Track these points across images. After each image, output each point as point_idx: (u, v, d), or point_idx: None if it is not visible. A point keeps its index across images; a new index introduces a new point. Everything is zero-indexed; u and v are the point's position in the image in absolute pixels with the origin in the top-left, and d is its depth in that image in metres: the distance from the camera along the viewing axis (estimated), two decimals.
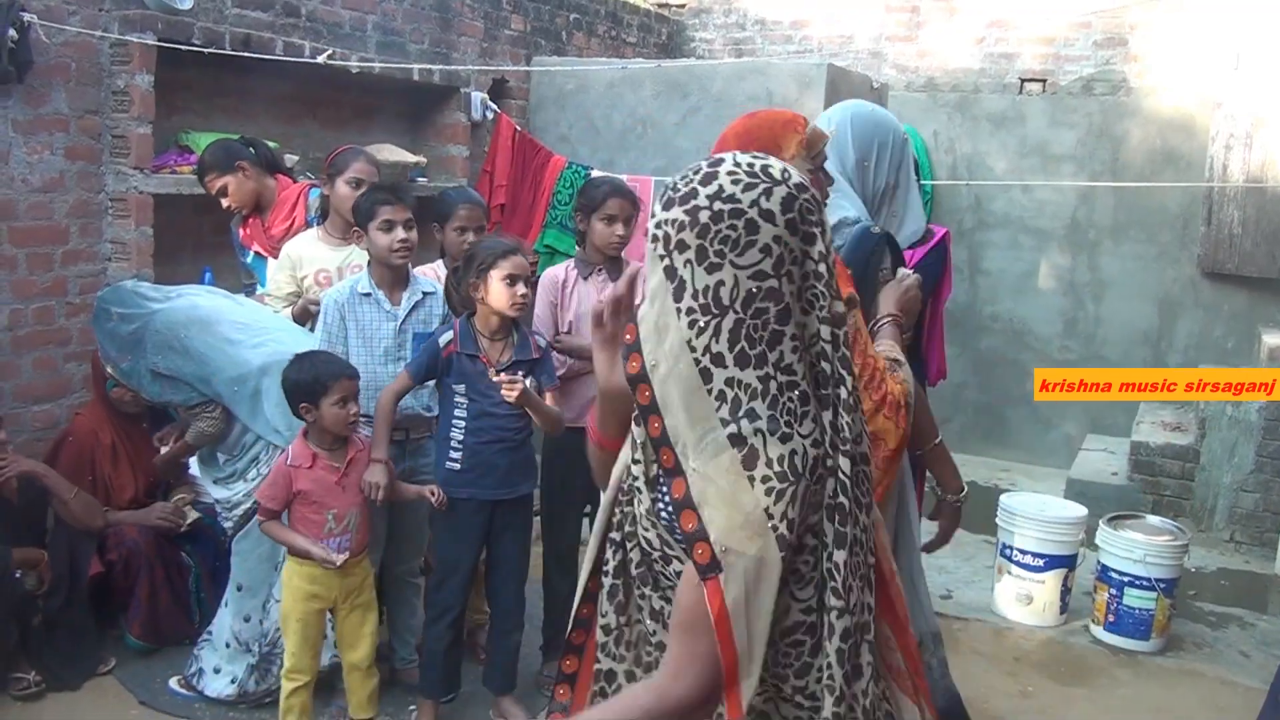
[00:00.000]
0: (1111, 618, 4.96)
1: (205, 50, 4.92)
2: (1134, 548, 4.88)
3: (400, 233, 3.98)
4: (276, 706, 3.83)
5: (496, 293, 3.73)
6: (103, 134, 4.81)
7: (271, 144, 5.09)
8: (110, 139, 4.81)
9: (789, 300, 1.56)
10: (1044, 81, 8.33)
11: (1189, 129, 7.44)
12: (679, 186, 1.60)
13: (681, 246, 1.55)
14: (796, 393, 1.57)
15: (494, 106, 6.70)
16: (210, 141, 4.82)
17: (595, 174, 6.16)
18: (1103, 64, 8.17)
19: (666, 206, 1.59)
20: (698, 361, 1.54)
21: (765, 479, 1.51)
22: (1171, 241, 7.57)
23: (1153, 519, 5.23)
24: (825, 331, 1.60)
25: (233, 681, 4.08)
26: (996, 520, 5.29)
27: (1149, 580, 4.86)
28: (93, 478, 4.39)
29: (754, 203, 1.54)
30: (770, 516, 1.50)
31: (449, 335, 3.82)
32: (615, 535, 1.80)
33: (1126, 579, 4.89)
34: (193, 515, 4.57)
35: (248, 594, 4.11)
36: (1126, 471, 6.36)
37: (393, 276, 4.08)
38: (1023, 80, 8.40)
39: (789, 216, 1.56)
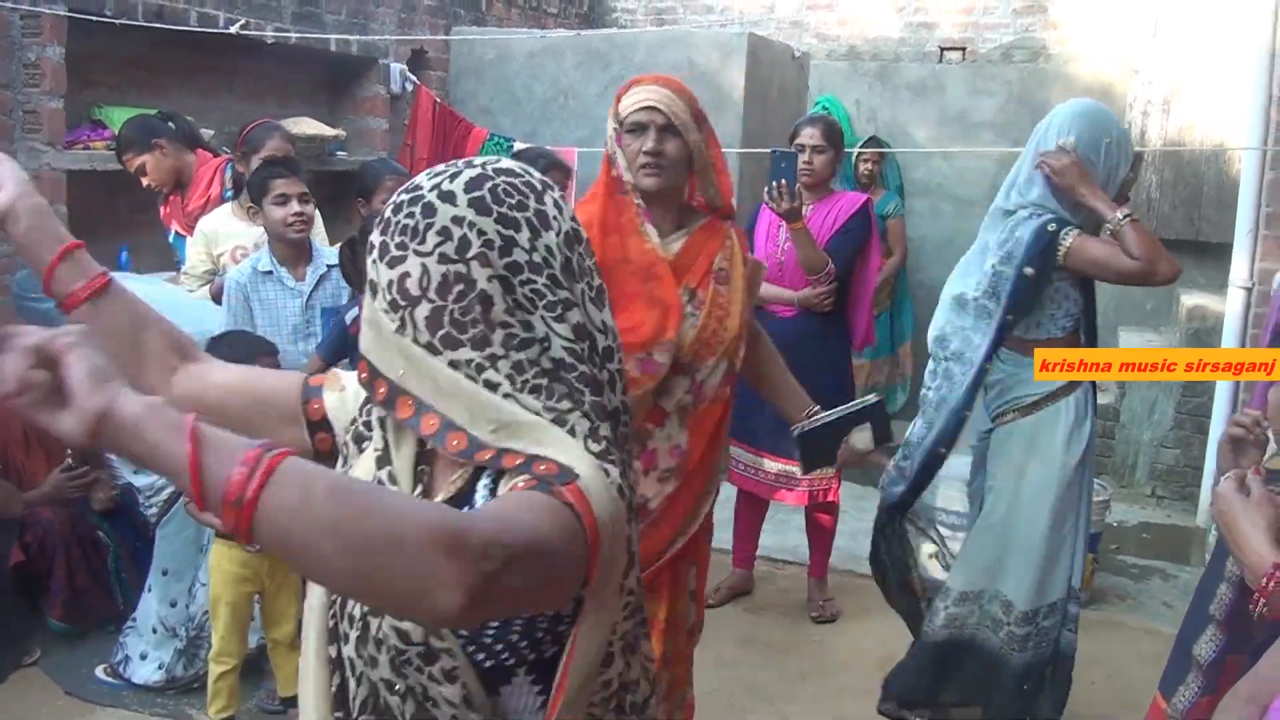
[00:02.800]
0: None
1: (117, 21, 4.80)
2: None
3: (295, 205, 3.92)
4: (204, 691, 3.78)
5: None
6: (14, 109, 4.67)
7: (188, 118, 4.99)
8: (21, 114, 4.67)
9: (489, 291, 1.34)
10: (964, 50, 8.40)
11: (1108, 95, 7.52)
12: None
13: (370, 249, 1.40)
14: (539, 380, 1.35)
15: (413, 78, 6.63)
16: (128, 118, 4.71)
17: (518, 145, 6.12)
18: (1022, 31, 8.25)
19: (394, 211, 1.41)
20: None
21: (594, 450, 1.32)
22: None
23: None
24: (561, 333, 1.37)
25: (160, 667, 4.01)
26: None
27: None
28: (4, 466, 4.28)
29: (434, 186, 1.38)
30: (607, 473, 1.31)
31: (355, 312, 3.77)
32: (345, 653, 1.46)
33: None
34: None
35: (173, 578, 4.04)
36: None
37: (294, 252, 4.01)
38: (942, 49, 8.47)
39: (473, 195, 1.36)
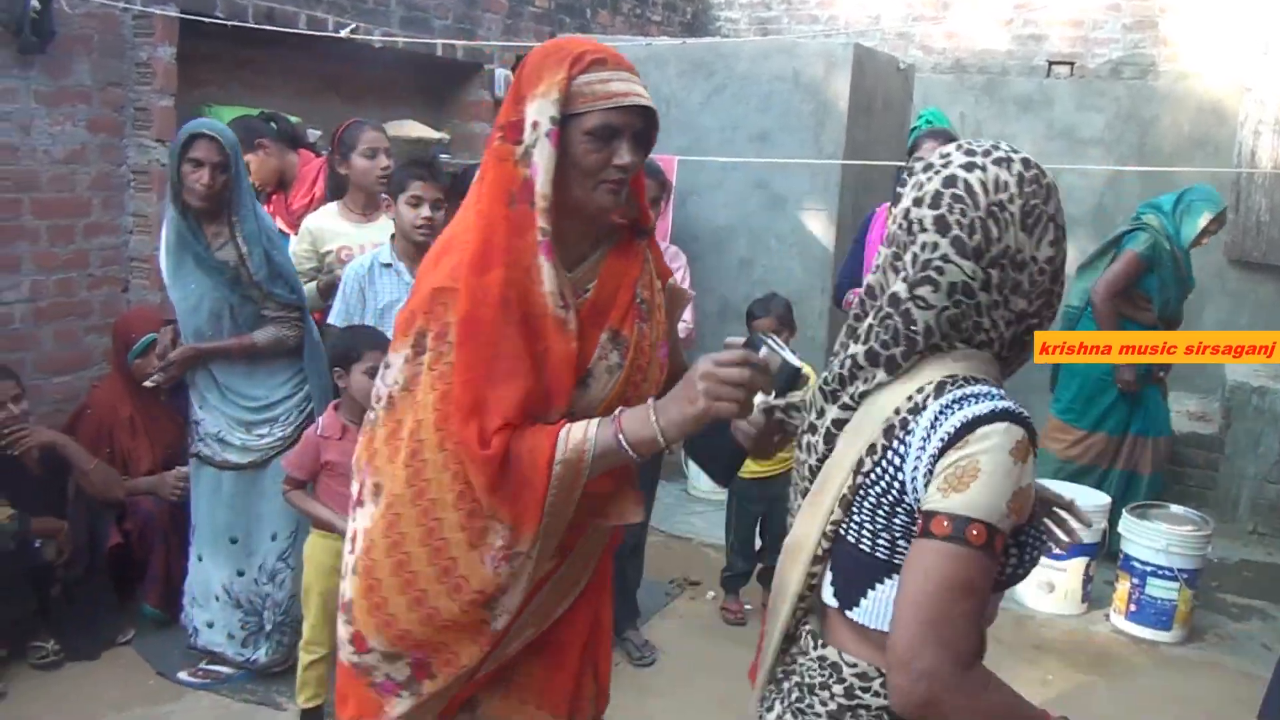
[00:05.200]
0: (1133, 607, 4.92)
1: (228, 23, 4.91)
2: (1157, 537, 4.84)
3: (426, 210, 3.95)
4: (291, 677, 3.85)
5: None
6: (125, 106, 4.80)
7: (293, 119, 5.07)
8: (132, 111, 4.81)
9: None
10: (1072, 64, 8.25)
11: (1218, 114, 7.36)
12: None
13: None
14: None
15: None
16: (232, 118, 4.80)
17: None
18: (1132, 47, 8.09)
19: None
20: None
21: None
22: None
23: (1176, 509, 5.18)
24: None
25: (230, 636, 4.10)
26: None
27: (1172, 570, 4.81)
28: (110, 449, 4.40)
29: None
30: None
31: None
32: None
33: (1149, 569, 4.85)
34: None
35: (242, 549, 4.11)
36: None
37: (415, 250, 4.05)
38: (1050, 63, 8.33)
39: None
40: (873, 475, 1.60)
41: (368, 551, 2.07)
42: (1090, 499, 5.20)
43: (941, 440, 1.52)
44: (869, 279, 1.75)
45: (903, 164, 4.45)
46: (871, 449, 1.60)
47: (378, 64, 6.09)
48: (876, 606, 1.62)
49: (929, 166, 1.68)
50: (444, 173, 4.15)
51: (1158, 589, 4.84)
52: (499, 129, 2.04)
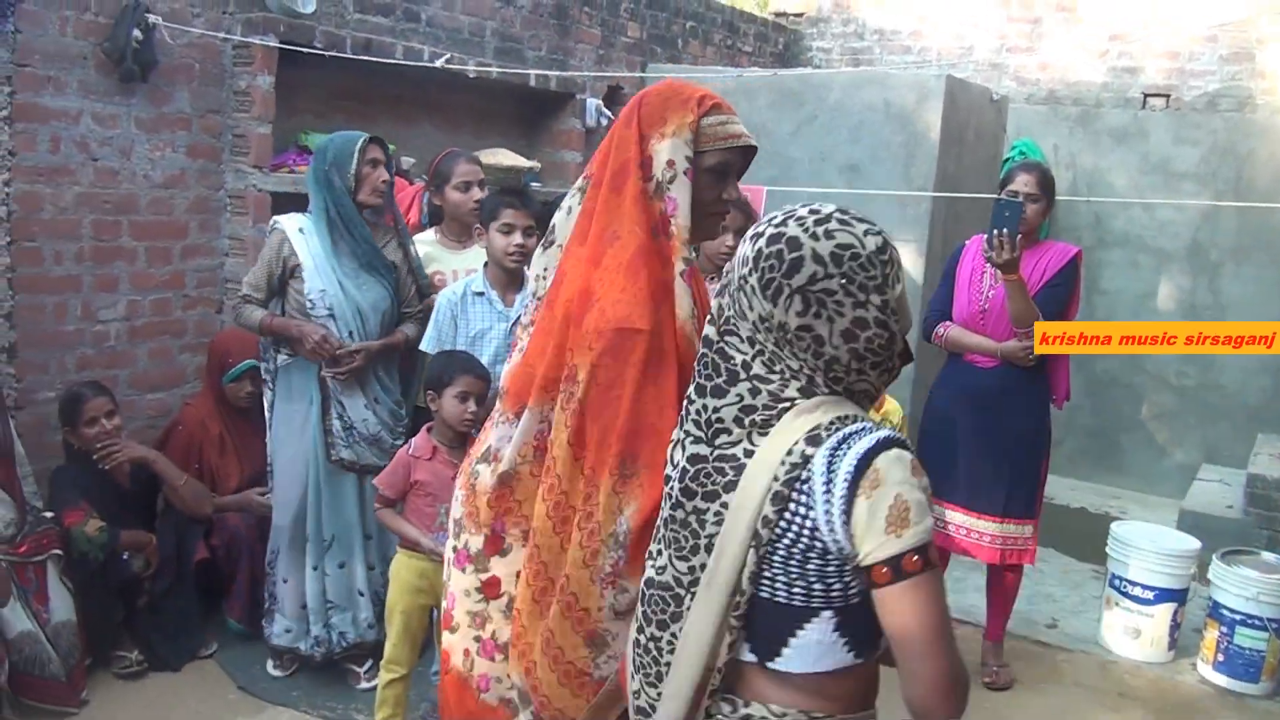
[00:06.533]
0: (1221, 657, 4.79)
1: (326, 54, 5.01)
2: (1247, 585, 4.71)
3: (518, 238, 4.00)
4: (366, 694, 3.93)
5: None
6: (223, 133, 4.92)
7: (390, 146, 5.16)
8: (231, 138, 4.93)
9: None
10: (1167, 97, 8.11)
11: None
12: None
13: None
14: None
15: (609, 113, 6.73)
16: None
17: None
18: (1229, 79, 7.94)
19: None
20: None
21: None
22: None
23: (1268, 556, 5.05)
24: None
25: (289, 632, 4.25)
26: (1107, 549, 5.15)
27: (1262, 620, 4.69)
28: (199, 466, 4.50)
29: None
30: None
31: None
32: None
33: (1238, 617, 4.73)
34: None
35: (339, 546, 4.22)
36: (1242, 505, 6.15)
37: (507, 277, 4.10)
38: (1145, 95, 8.19)
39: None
40: (778, 529, 1.65)
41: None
42: (1179, 543, 5.10)
43: (846, 479, 1.60)
44: None
45: (996, 196, 4.41)
46: (766, 518, 1.65)
47: (472, 92, 6.17)
48: (801, 652, 1.68)
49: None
50: (535, 201, 4.20)
51: (1246, 638, 4.71)
52: (636, 166, 2.24)
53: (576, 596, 2.11)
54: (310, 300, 4.04)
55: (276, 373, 4.17)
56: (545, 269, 2.43)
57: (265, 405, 4.29)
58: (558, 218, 2.41)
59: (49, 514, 3.98)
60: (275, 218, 4.19)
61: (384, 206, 4.21)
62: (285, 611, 4.24)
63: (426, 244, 4.54)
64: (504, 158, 5.88)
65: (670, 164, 2.21)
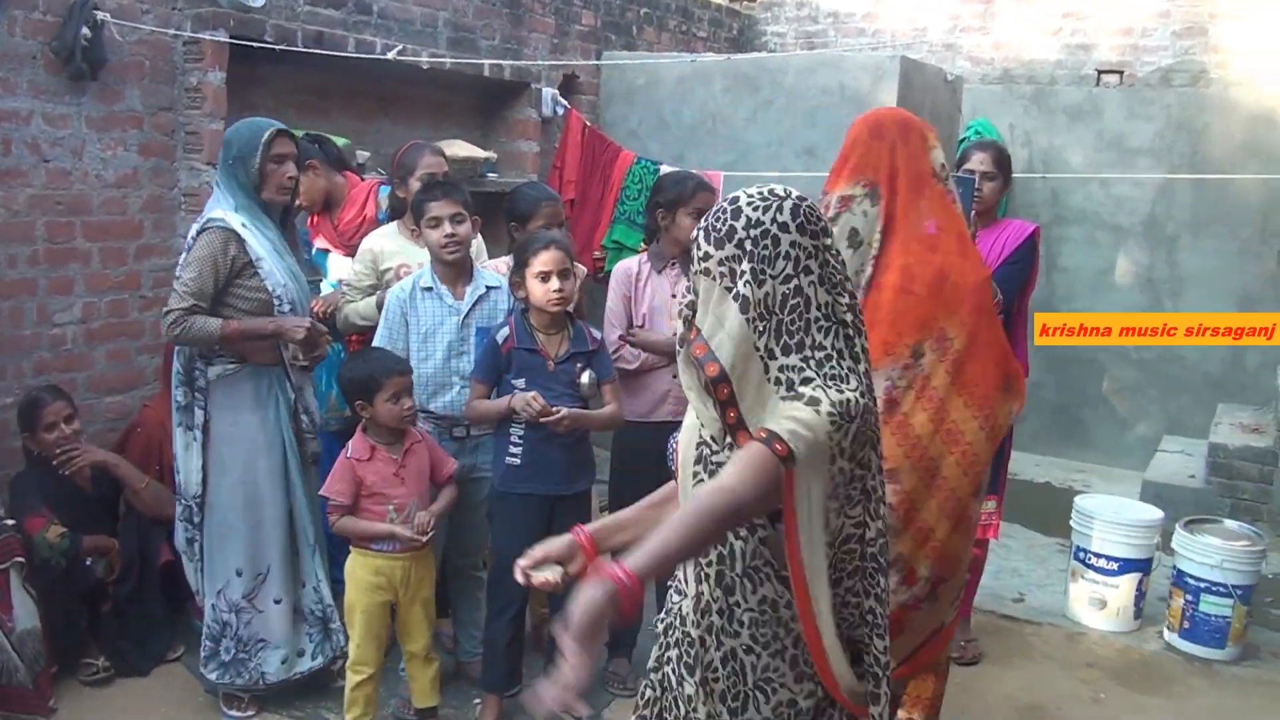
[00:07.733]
0: (1187, 624, 4.85)
1: (277, 48, 4.97)
2: (1211, 553, 4.77)
3: (447, 227, 3.98)
4: (332, 692, 3.93)
5: (533, 289, 3.78)
6: (176, 130, 4.87)
7: (342, 141, 5.13)
8: (183, 135, 4.88)
9: (809, 291, 1.96)
10: (1121, 73, 8.16)
11: (1270, 121, 7.23)
12: (718, 225, 2.00)
13: (735, 274, 1.96)
14: (831, 362, 1.95)
15: (564, 102, 6.71)
16: None
17: (665, 169, 6.14)
18: (1182, 54, 7.99)
19: (719, 245, 1.98)
20: (761, 359, 1.95)
21: (829, 414, 1.88)
22: (1252, 237, 7.34)
23: (1230, 523, 5.11)
24: (844, 301, 2.01)
25: (285, 663, 4.08)
26: (1071, 522, 5.20)
27: (1225, 586, 4.74)
28: (159, 468, 4.45)
29: (772, 220, 1.97)
30: (831, 439, 1.88)
31: (505, 331, 3.85)
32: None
33: (1203, 585, 4.78)
34: None
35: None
36: (1204, 474, 6.21)
37: (454, 271, 4.09)
38: (1099, 72, 8.24)
39: (798, 222, 1.97)
40: None
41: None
42: (1142, 514, 5.15)
43: None
44: None
45: (955, 175, 4.41)
46: None
47: (427, 85, 6.13)
48: None
49: None
50: (457, 187, 4.18)
51: (1211, 605, 4.77)
52: (941, 170, 3.09)
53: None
54: (277, 295, 3.86)
55: (209, 388, 3.89)
56: (862, 265, 3.01)
57: (181, 429, 3.95)
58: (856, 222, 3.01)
59: (10, 521, 3.92)
60: (207, 216, 3.86)
61: (289, 204, 4.03)
62: (275, 639, 4.01)
63: (389, 237, 4.51)
64: (460, 149, 5.85)
65: (943, 166, 3.08)
